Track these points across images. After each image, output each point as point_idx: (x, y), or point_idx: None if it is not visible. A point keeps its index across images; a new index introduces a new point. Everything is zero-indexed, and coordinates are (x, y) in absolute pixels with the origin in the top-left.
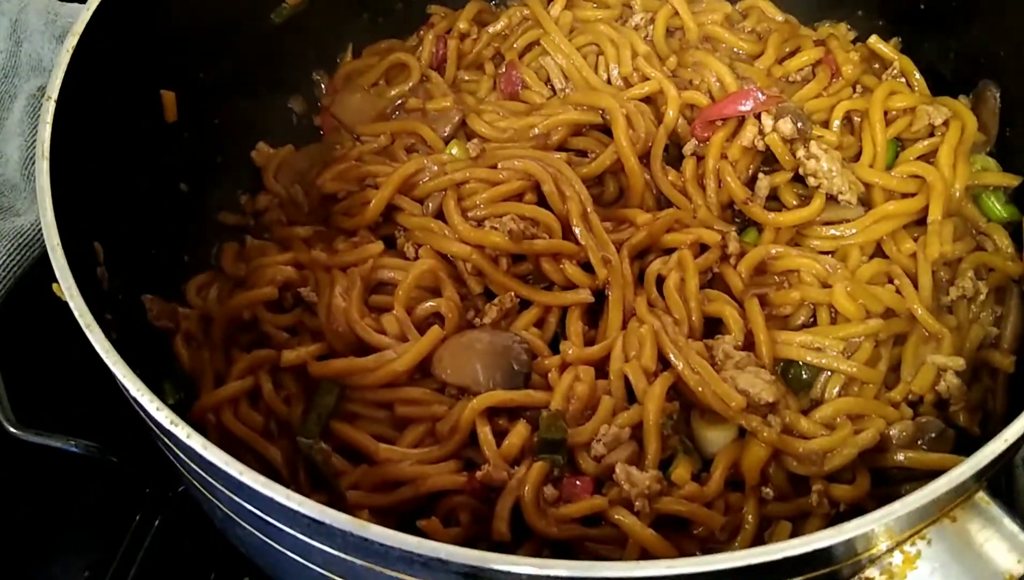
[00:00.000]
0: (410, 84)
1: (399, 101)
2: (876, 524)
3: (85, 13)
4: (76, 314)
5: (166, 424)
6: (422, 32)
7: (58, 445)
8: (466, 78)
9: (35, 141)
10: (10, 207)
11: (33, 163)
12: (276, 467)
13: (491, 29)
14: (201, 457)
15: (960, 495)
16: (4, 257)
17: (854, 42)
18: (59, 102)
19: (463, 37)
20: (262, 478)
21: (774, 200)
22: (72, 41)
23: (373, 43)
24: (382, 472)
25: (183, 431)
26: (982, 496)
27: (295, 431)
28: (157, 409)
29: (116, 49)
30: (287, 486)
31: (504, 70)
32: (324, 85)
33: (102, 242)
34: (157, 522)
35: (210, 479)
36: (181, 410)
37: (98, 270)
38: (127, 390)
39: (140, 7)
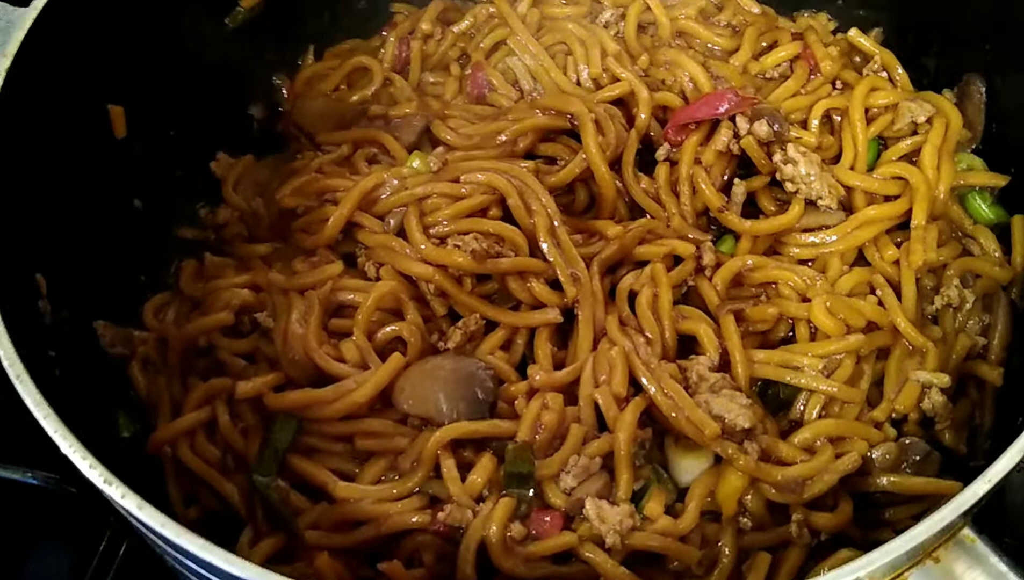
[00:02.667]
0: (372, 88)
1: (361, 107)
2: (856, 574)
3: (18, 32)
4: (5, 364)
5: (99, 483)
6: (385, 32)
7: (16, 477)
8: (431, 80)
9: None
10: None
11: None
12: (233, 504)
13: (456, 28)
14: (137, 517)
15: (944, 535)
16: None
17: (834, 32)
18: None
19: (427, 38)
20: (200, 540)
21: (753, 205)
22: (5, 64)
23: (335, 44)
24: (341, 511)
25: (118, 491)
26: (967, 534)
27: (252, 467)
28: (90, 467)
29: (57, 64)
30: (245, 524)
31: (470, 72)
32: (285, 90)
33: (45, 273)
34: (122, 550)
35: (150, 535)
36: (139, 441)
37: (40, 303)
38: (59, 445)
39: (81, 20)
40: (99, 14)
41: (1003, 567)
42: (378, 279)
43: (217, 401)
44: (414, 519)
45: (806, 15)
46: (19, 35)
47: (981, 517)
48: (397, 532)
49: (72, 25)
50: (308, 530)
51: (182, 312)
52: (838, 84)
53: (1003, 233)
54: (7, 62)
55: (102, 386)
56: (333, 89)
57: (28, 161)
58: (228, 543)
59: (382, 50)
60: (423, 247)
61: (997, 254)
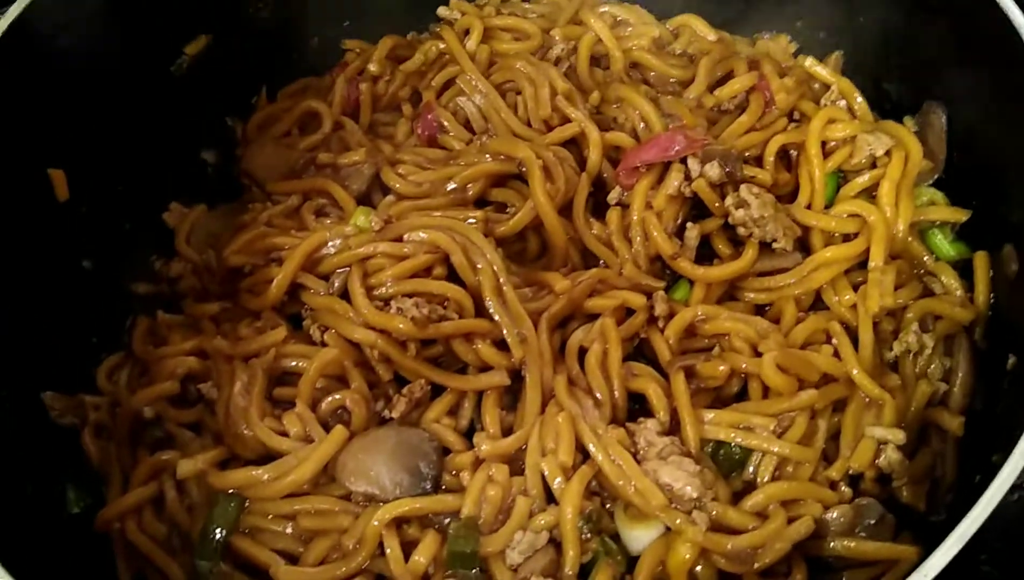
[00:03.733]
0: (322, 134)
1: (311, 154)
2: None
3: None
4: None
5: None
6: (334, 73)
7: None
8: (383, 120)
9: None
10: None
11: None
12: None
13: (405, 69)
14: None
15: None
16: None
17: (795, 55)
18: None
19: (376, 79)
20: None
21: (708, 246)
22: None
23: (288, 82)
24: None
25: None
26: None
27: (194, 551)
28: None
29: None
30: None
31: (420, 112)
32: (239, 132)
33: None
34: None
35: None
36: (90, 516)
37: None
38: None
39: (13, 84)
40: (33, 78)
41: None
42: (323, 343)
43: (164, 475)
44: None
45: (766, 37)
46: None
47: None
48: None
49: (4, 91)
50: None
51: (134, 375)
52: (795, 115)
53: (966, 268)
54: None
55: (50, 461)
56: (284, 134)
57: None
58: None
59: (331, 93)
60: (365, 311)
61: (959, 292)
